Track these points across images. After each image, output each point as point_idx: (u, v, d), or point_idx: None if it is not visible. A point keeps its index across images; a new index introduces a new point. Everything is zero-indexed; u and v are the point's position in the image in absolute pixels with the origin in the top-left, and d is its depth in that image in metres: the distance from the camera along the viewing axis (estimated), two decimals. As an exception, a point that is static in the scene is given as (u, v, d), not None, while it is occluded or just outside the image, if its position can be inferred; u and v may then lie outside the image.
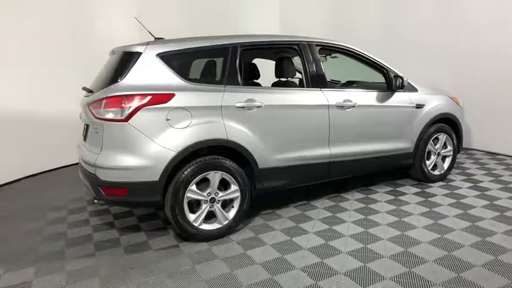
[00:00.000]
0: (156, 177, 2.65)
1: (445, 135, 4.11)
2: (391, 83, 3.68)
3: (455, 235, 2.85)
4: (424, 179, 4.10)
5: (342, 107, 3.39)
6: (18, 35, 4.66)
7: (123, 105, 2.60)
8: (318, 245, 2.76)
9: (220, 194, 2.91)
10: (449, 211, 3.32)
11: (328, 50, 3.63)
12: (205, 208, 2.86)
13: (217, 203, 2.91)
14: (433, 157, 4.10)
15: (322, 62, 4.10)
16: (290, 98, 3.19)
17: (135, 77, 2.71)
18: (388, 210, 3.38)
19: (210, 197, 2.86)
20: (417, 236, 2.85)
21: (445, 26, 5.64)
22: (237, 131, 2.91)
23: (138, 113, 2.61)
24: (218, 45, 3.01)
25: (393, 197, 3.73)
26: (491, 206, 3.40)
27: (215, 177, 2.85)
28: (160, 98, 2.67)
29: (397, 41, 6.28)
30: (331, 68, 4.51)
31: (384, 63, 3.75)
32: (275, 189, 3.27)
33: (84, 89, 3.09)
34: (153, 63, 2.76)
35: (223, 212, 2.94)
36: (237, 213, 2.98)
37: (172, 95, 2.71)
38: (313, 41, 3.44)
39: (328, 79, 3.84)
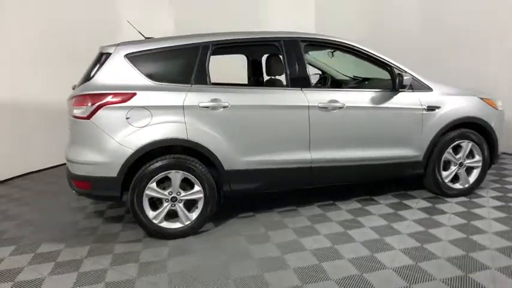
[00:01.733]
0: (114, 173, 2.76)
1: (470, 143, 3.48)
2: (393, 82, 3.25)
3: (433, 264, 2.42)
4: (439, 192, 3.55)
5: (325, 108, 3.10)
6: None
7: (86, 103, 2.75)
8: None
9: (183, 193, 2.91)
10: (447, 234, 2.83)
11: (318, 46, 3.34)
12: (165, 206, 2.89)
13: (180, 203, 2.91)
14: (453, 167, 3.51)
15: (330, 58, 3.83)
16: (261, 98, 3.02)
17: (103, 76, 2.83)
18: (375, 226, 3.01)
19: (171, 196, 2.88)
20: (387, 261, 2.49)
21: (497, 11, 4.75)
22: (199, 131, 2.86)
23: (99, 111, 2.73)
24: (188, 44, 2.98)
25: (392, 211, 3.31)
26: (506, 233, 2.80)
27: (176, 176, 2.86)
28: (121, 97, 2.75)
29: (437, 32, 5.51)
30: (348, 64, 4.17)
31: (388, 60, 3.32)
32: (246, 193, 3.16)
33: (73, 86, 3.34)
34: (120, 64, 2.85)
35: (186, 212, 2.93)
36: (201, 214, 2.95)
37: (133, 94, 2.77)
38: (298, 37, 3.19)
39: (349, 76, 3.57)
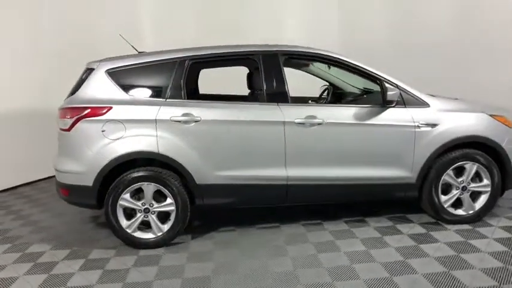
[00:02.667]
0: (90, 182, 2.91)
1: (476, 165, 3.12)
2: (383, 97, 3.03)
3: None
4: (438, 218, 3.22)
5: (303, 124, 2.98)
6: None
7: (67, 116, 2.94)
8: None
9: (156, 205, 2.98)
10: (425, 267, 2.55)
11: (300, 59, 3.23)
12: (138, 217, 2.97)
13: (153, 214, 2.98)
14: (454, 191, 3.17)
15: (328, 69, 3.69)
16: (235, 113, 2.99)
17: (86, 90, 3.01)
18: (354, 251, 2.81)
19: (144, 207, 2.97)
20: (342, 290, 2.32)
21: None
22: (170, 145, 2.91)
23: (78, 123, 2.90)
24: (165, 59, 3.06)
25: (379, 235, 3.08)
26: (495, 271, 2.45)
27: (148, 188, 2.93)
28: (97, 110, 2.91)
29: (471, 38, 5.01)
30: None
31: (377, 73, 3.10)
32: (219, 207, 3.14)
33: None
34: (101, 79, 3.01)
35: (158, 223, 2.99)
36: (172, 226, 2.99)
37: (110, 108, 2.91)
38: (277, 50, 3.12)
39: (360, 87, 3.36)
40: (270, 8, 6.14)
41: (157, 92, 3.01)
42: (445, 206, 3.17)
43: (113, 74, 3.02)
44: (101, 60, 3.09)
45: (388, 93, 2.92)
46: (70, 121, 2.92)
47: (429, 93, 3.32)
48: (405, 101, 3.09)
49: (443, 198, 3.17)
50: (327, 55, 3.14)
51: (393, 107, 3.04)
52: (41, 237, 3.35)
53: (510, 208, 3.53)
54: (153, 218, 2.98)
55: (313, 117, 2.99)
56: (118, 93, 2.98)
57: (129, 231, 2.98)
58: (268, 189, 3.06)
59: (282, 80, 3.06)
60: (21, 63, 4.94)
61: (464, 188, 3.17)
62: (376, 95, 3.12)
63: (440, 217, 3.20)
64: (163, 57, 3.07)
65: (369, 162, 3.08)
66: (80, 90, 3.02)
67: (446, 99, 3.34)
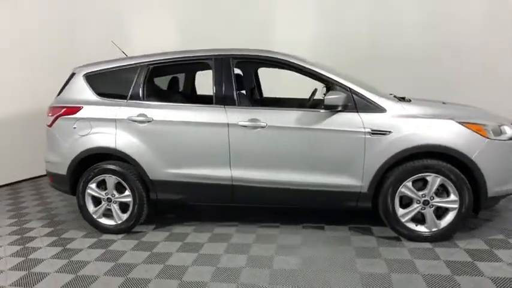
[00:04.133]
0: (64, 171, 3.36)
1: (439, 178, 2.80)
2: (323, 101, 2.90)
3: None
4: (395, 232, 2.97)
5: (246, 127, 3.01)
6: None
7: (49, 114, 3.43)
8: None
9: (117, 195, 3.31)
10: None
11: (251, 62, 3.23)
12: (102, 205, 3.34)
13: (114, 203, 3.32)
14: (415, 205, 2.89)
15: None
16: (183, 115, 3.15)
17: (67, 92, 3.47)
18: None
19: (107, 197, 3.32)
20: None
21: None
22: (127, 142, 3.20)
23: (57, 120, 3.38)
24: (130, 64, 3.36)
25: (298, 241, 2.96)
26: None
27: (110, 180, 3.28)
28: (71, 110, 3.34)
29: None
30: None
31: (327, 75, 2.98)
32: (172, 202, 3.34)
33: None
34: (79, 82, 3.44)
35: (119, 212, 3.32)
36: (130, 216, 3.30)
37: (80, 108, 3.32)
38: (229, 54, 3.18)
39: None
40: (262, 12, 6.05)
41: (121, 94, 3.33)
42: (403, 220, 2.91)
43: (88, 77, 3.43)
44: (81, 66, 3.52)
45: (327, 97, 2.80)
46: (51, 118, 3.41)
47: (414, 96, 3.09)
48: (358, 105, 2.91)
49: (401, 211, 2.91)
50: (273, 58, 3.12)
51: (342, 111, 2.89)
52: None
53: (500, 230, 3.06)
54: (114, 207, 3.32)
55: (256, 120, 3.00)
56: (89, 95, 3.38)
57: (94, 216, 3.36)
58: (216, 189, 3.16)
59: (230, 83, 3.12)
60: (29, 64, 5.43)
61: (426, 203, 2.86)
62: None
63: (398, 232, 2.95)
64: (129, 62, 3.38)
65: (314, 168, 2.98)
66: (63, 91, 3.50)
67: (419, 104, 3.03)
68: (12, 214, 4.04)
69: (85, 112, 3.31)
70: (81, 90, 3.42)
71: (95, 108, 3.31)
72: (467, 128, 2.79)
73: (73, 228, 3.55)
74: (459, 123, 2.81)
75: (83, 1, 5.94)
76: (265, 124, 2.99)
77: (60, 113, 3.37)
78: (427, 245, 2.86)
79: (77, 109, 3.34)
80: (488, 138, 2.78)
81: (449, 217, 2.86)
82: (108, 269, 2.71)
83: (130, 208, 3.29)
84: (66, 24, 5.79)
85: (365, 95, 2.93)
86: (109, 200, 3.32)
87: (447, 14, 5.13)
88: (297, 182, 3.01)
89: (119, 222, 3.33)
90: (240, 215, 3.57)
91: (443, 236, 2.88)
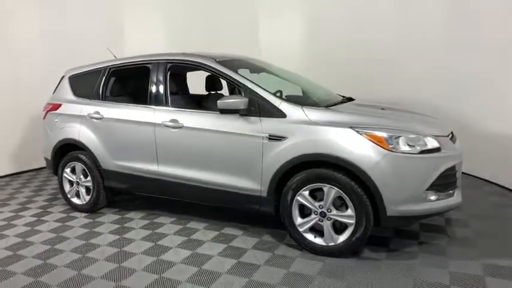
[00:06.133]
0: (49, 157, 4.11)
1: (334, 190, 2.64)
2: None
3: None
4: (296, 242, 2.89)
5: (167, 126, 3.27)
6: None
7: (43, 109, 4.22)
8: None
9: (83, 180, 3.92)
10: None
11: (183, 67, 3.43)
12: (73, 187, 3.99)
13: (82, 187, 3.94)
14: (313, 216, 2.77)
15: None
16: (123, 113, 3.55)
17: (57, 91, 4.21)
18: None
19: (76, 181, 3.96)
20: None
21: None
22: (86, 135, 3.76)
23: (47, 115, 4.13)
24: (97, 68, 3.90)
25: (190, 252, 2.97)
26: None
27: (78, 166, 3.90)
28: (54, 106, 4.06)
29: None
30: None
31: (238, 80, 3.04)
32: (120, 191, 3.80)
33: None
34: (65, 83, 4.14)
35: (84, 194, 3.93)
36: (91, 198, 3.86)
37: (60, 105, 4.01)
38: (162, 59, 3.46)
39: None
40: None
41: (88, 94, 3.90)
42: (301, 229, 2.82)
43: (70, 79, 4.11)
44: (69, 69, 4.21)
45: (219, 101, 2.87)
46: (43, 113, 4.19)
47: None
48: (260, 110, 2.91)
49: (299, 220, 2.83)
50: (201, 63, 3.27)
51: (245, 115, 2.93)
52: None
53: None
54: (81, 190, 3.94)
55: (176, 121, 3.24)
56: (69, 94, 4.05)
57: (69, 196, 4.03)
58: (148, 182, 3.50)
59: (160, 85, 3.41)
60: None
61: (323, 214, 2.73)
62: None
63: (297, 241, 2.87)
64: (97, 66, 3.93)
65: (220, 169, 3.08)
66: (55, 91, 4.25)
67: (323, 110, 2.87)
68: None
69: (63, 109, 3.99)
70: (65, 90, 4.11)
71: (70, 105, 3.96)
72: (366, 138, 2.56)
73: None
74: (358, 132, 2.59)
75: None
76: (182, 125, 3.21)
77: (48, 108, 4.12)
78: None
79: (58, 106, 4.04)
80: (388, 150, 2.51)
81: (347, 232, 2.67)
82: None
83: (91, 192, 3.87)
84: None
85: (268, 99, 2.91)
86: (77, 183, 3.96)
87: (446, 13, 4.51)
88: (207, 181, 3.16)
89: (84, 202, 3.94)
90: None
91: (341, 252, 2.70)
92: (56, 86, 4.33)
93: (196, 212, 3.71)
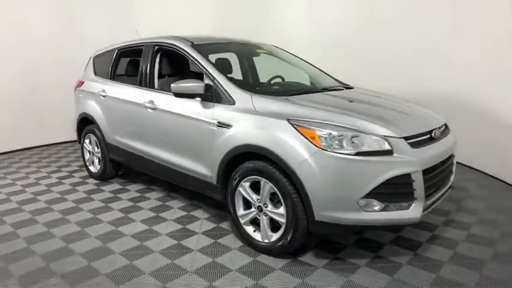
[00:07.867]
0: (75, 127, 4.67)
1: (269, 185, 2.49)
2: None
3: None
4: (240, 233, 2.82)
5: (147, 107, 3.42)
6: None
7: (75, 85, 4.77)
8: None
9: (96, 151, 4.38)
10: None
11: (167, 50, 3.48)
12: (90, 157, 4.48)
13: (95, 157, 4.40)
14: (252, 209, 2.67)
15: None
16: (119, 92, 3.81)
17: (85, 71, 4.71)
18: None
19: (91, 151, 4.44)
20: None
21: None
22: (96, 111, 4.16)
23: (76, 90, 4.68)
24: (110, 49, 4.23)
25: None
26: None
27: (92, 138, 4.35)
28: (80, 83, 4.56)
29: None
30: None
31: (205, 66, 2.99)
32: (120, 164, 4.13)
33: None
34: (90, 63, 4.61)
35: (97, 163, 4.39)
36: (100, 167, 4.31)
37: (82, 83, 4.50)
38: (151, 42, 3.59)
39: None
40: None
41: (103, 74, 4.28)
42: (241, 221, 2.74)
43: (95, 59, 4.55)
44: (96, 50, 4.66)
45: (173, 84, 2.88)
46: (74, 88, 4.75)
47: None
48: (216, 95, 2.85)
49: (241, 212, 2.75)
50: (177, 46, 3.30)
51: (205, 100, 2.90)
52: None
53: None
54: (94, 159, 4.42)
55: (152, 102, 3.37)
56: (91, 73, 4.50)
57: (87, 163, 4.54)
58: (138, 159, 3.71)
59: (152, 67, 3.54)
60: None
61: (260, 209, 2.61)
62: None
63: (240, 233, 2.79)
64: (111, 47, 4.27)
65: (182, 152, 3.13)
66: (85, 70, 4.77)
67: (271, 99, 2.67)
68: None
69: (85, 86, 4.46)
70: (89, 69, 4.58)
71: (89, 83, 4.41)
72: (299, 132, 2.33)
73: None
74: (293, 125, 2.37)
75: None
76: (155, 106, 3.33)
77: (77, 85, 4.66)
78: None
79: (82, 83, 4.54)
80: (320, 148, 2.25)
81: (280, 232, 2.51)
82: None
83: (101, 161, 4.31)
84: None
85: (223, 84, 2.82)
86: (92, 153, 4.44)
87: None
88: (173, 162, 3.24)
89: (96, 171, 4.41)
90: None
91: (277, 251, 2.55)
92: (85, 65, 4.85)
93: (201, 199, 3.86)
